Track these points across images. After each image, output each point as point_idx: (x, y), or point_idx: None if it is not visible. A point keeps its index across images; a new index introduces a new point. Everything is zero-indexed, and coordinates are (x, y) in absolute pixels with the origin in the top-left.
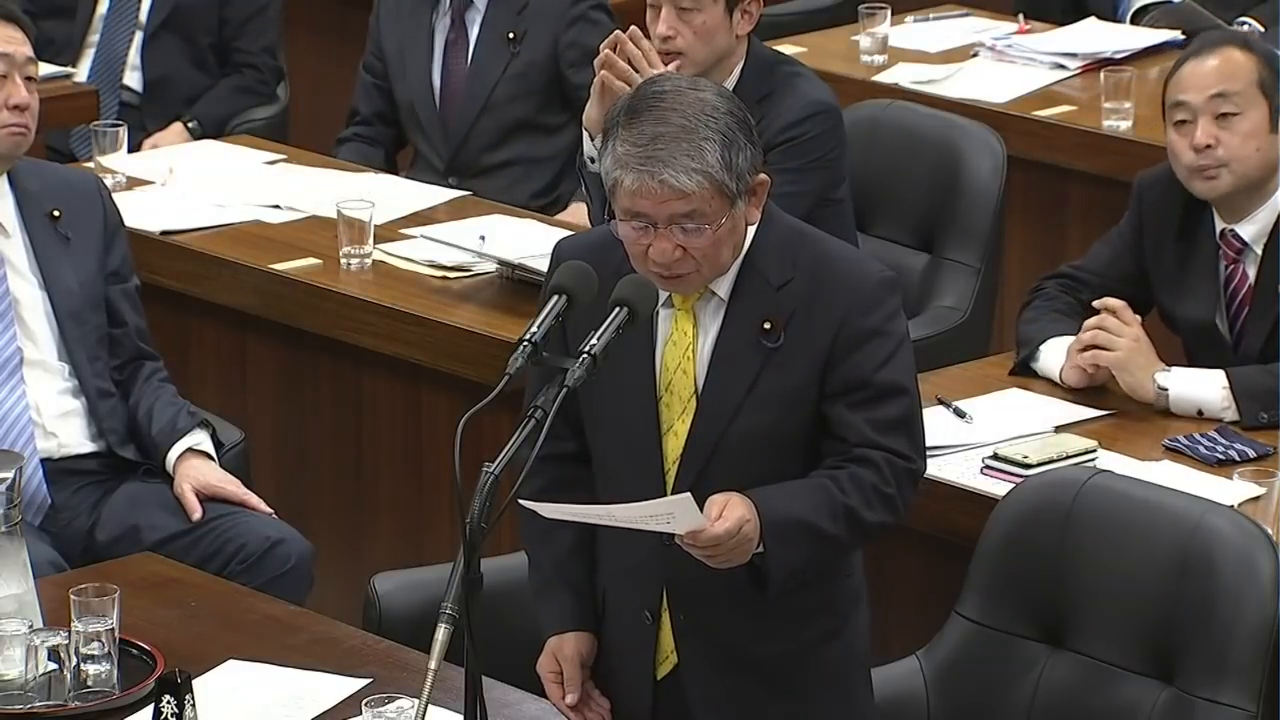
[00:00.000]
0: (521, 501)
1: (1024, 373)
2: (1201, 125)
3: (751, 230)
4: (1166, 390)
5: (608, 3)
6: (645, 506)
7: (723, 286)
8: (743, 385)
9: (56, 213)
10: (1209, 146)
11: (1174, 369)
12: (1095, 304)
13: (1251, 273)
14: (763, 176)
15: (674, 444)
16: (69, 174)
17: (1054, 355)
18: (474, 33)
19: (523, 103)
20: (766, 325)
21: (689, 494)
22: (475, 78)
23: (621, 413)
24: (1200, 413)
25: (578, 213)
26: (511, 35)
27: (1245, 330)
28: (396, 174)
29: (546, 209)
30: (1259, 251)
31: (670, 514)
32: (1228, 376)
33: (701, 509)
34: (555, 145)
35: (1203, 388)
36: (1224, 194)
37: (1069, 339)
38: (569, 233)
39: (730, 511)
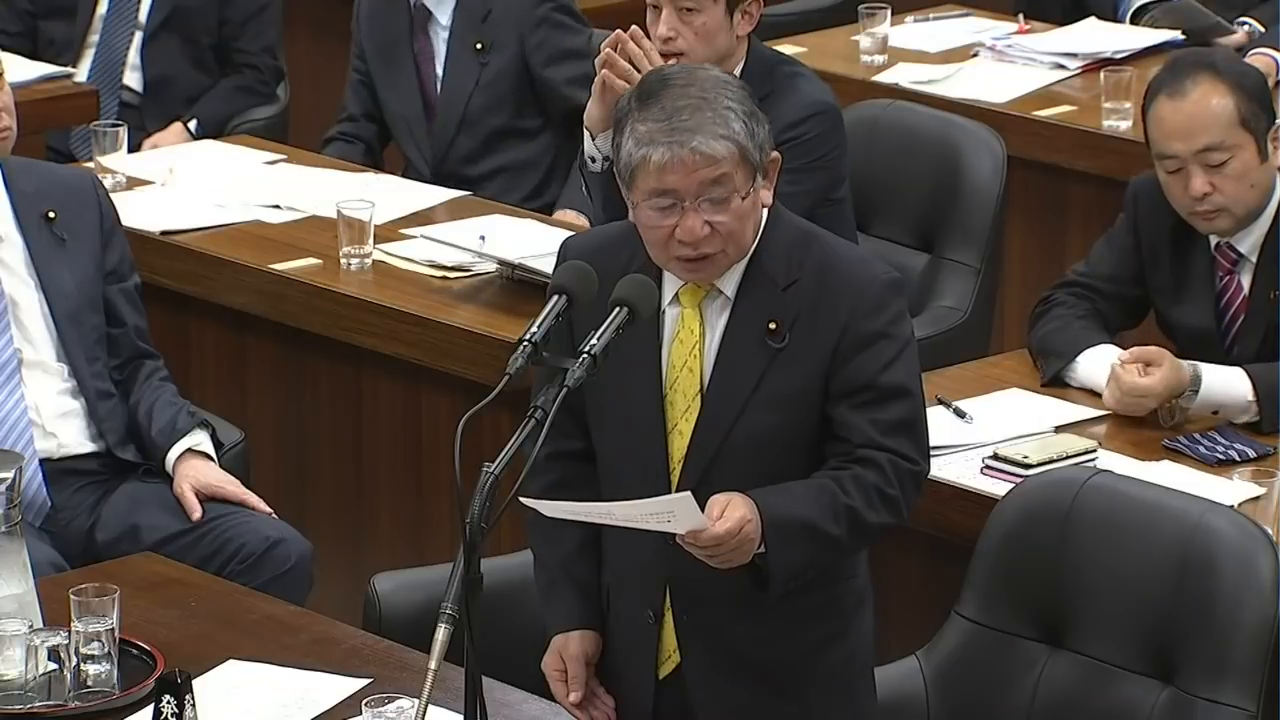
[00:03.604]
0: (522, 499)
1: (1055, 384)
2: (1194, 176)
3: (765, 214)
4: (1200, 378)
5: (572, 4)
6: (646, 505)
7: (729, 285)
8: (747, 385)
9: (52, 214)
10: (1206, 194)
11: (1200, 365)
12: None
13: (1245, 282)
14: (775, 155)
15: (679, 443)
16: (64, 173)
17: (1093, 366)
18: (440, 46)
19: (498, 111)
20: (772, 325)
21: (689, 493)
22: (449, 92)
23: (627, 411)
24: (1215, 413)
25: (563, 220)
26: (479, 45)
27: (1239, 338)
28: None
29: (537, 213)
30: (1254, 261)
31: (671, 513)
32: (1251, 380)
33: (703, 509)
34: (536, 149)
35: (1227, 388)
36: (1225, 230)
37: (1104, 349)
38: (570, 233)
39: (731, 511)
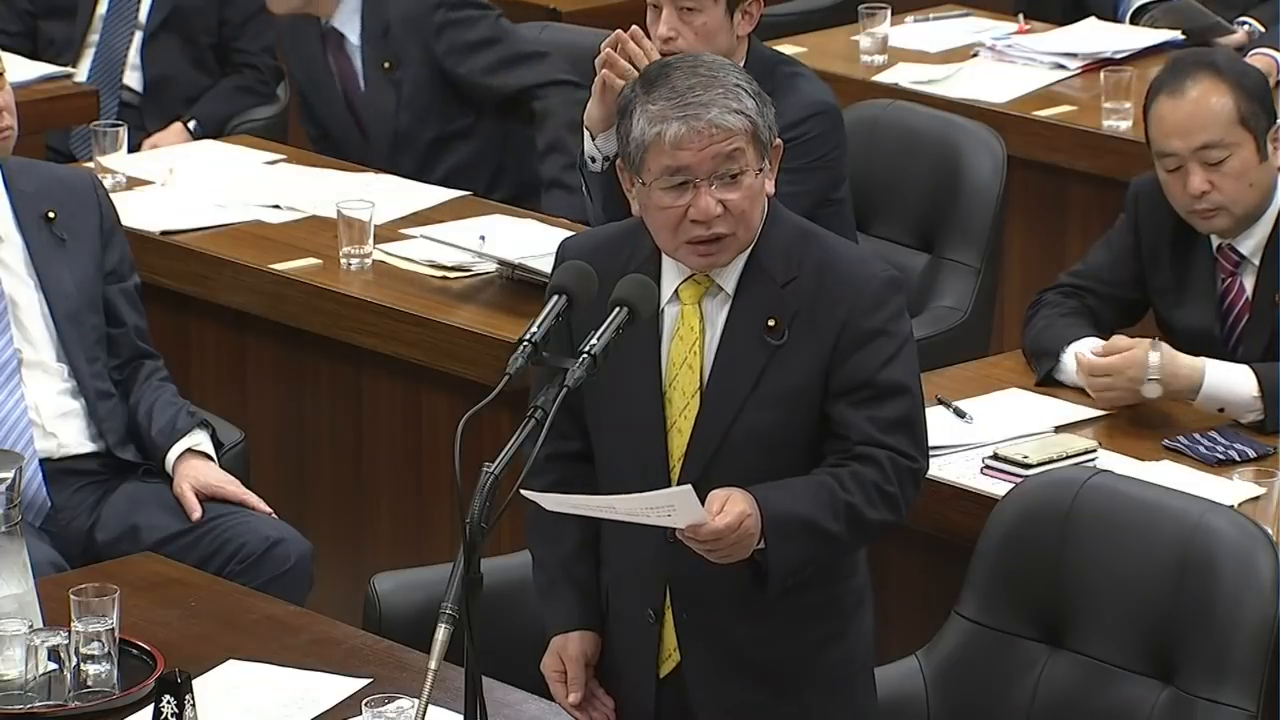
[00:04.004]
0: (523, 492)
1: (1049, 383)
2: (1193, 174)
3: (767, 205)
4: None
5: None
6: (646, 498)
7: (729, 282)
8: (747, 382)
9: (52, 214)
10: (1205, 192)
11: (1206, 361)
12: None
13: (1248, 283)
14: (779, 141)
15: (678, 440)
16: (64, 173)
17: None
18: (358, 66)
19: (428, 124)
20: (771, 322)
21: (690, 486)
22: (374, 116)
23: (627, 409)
24: (1221, 410)
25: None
26: (386, 65)
27: (1243, 340)
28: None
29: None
30: (1257, 263)
31: (671, 506)
32: (1258, 379)
33: (703, 504)
34: (477, 146)
35: (1233, 385)
36: (1224, 229)
37: (1088, 342)
38: (570, 233)
39: (731, 506)
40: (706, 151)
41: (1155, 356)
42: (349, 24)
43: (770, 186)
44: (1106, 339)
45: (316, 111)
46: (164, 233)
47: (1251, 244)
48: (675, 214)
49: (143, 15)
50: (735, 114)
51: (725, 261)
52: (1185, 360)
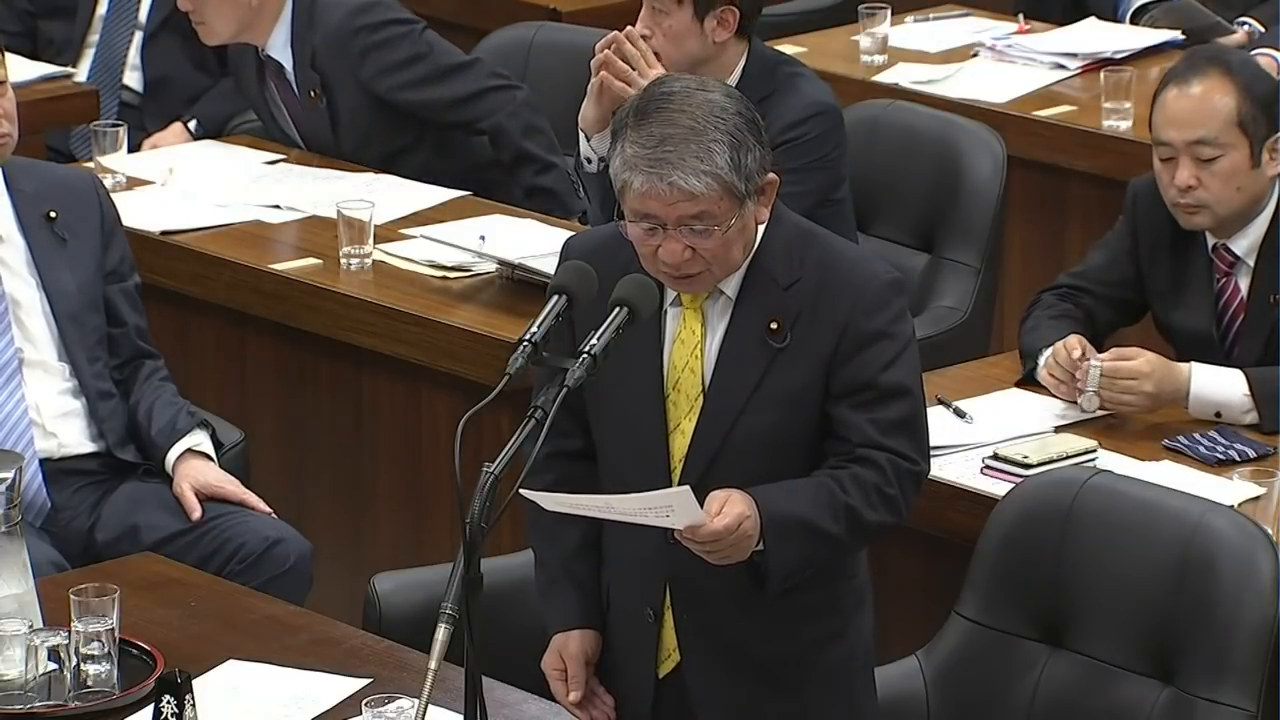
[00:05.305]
0: (522, 492)
1: (1031, 382)
2: (1182, 167)
3: (761, 228)
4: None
5: (386, 12)
6: (645, 499)
7: (731, 286)
8: (749, 384)
9: (53, 214)
10: (1190, 188)
11: (1194, 364)
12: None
13: (1244, 284)
14: (772, 175)
15: (680, 442)
16: (65, 173)
17: None
18: (297, 93)
19: (373, 143)
20: (773, 325)
21: (688, 487)
22: (318, 141)
23: (628, 410)
24: (1218, 415)
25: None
26: (313, 93)
27: (1239, 341)
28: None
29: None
30: (1251, 264)
31: (669, 507)
32: (1248, 380)
33: (702, 505)
34: (423, 159)
35: (1224, 388)
36: (1206, 228)
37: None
38: (569, 233)
39: (730, 508)
40: (672, 209)
41: (1095, 369)
42: (283, 52)
43: (764, 214)
44: (1101, 340)
45: (270, 133)
46: (164, 233)
47: (1245, 244)
48: (648, 250)
49: (143, 15)
50: (702, 175)
51: (703, 289)
52: (1174, 367)
